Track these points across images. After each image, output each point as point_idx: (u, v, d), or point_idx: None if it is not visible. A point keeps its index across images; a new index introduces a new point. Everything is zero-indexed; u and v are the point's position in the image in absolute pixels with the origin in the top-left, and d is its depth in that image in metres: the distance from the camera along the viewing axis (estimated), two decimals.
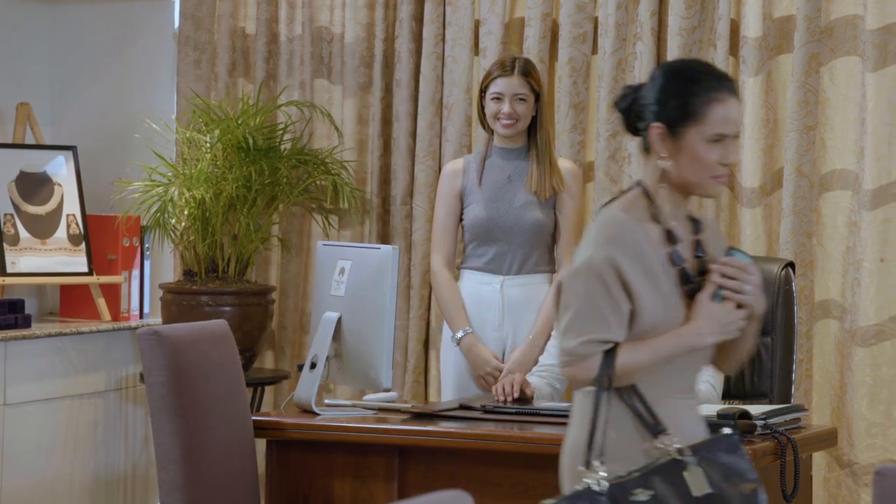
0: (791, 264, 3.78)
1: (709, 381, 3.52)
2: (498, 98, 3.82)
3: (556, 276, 3.90)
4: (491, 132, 3.91)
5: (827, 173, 4.16)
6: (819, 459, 4.08)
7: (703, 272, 2.64)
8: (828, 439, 3.56)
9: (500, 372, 3.79)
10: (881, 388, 4.06)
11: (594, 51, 4.42)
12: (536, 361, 3.82)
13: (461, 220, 3.94)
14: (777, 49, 4.22)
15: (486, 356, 3.81)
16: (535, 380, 3.71)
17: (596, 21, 4.41)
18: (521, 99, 3.82)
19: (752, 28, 4.20)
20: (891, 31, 4.05)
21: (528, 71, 3.84)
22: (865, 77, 4.07)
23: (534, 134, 3.88)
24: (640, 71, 4.30)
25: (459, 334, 3.84)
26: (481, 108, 3.88)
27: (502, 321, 3.85)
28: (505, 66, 3.84)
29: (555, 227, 3.90)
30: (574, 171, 3.94)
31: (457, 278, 3.95)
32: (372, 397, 3.64)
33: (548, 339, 3.82)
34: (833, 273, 4.15)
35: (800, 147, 4.15)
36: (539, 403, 3.59)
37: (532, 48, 4.43)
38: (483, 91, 3.87)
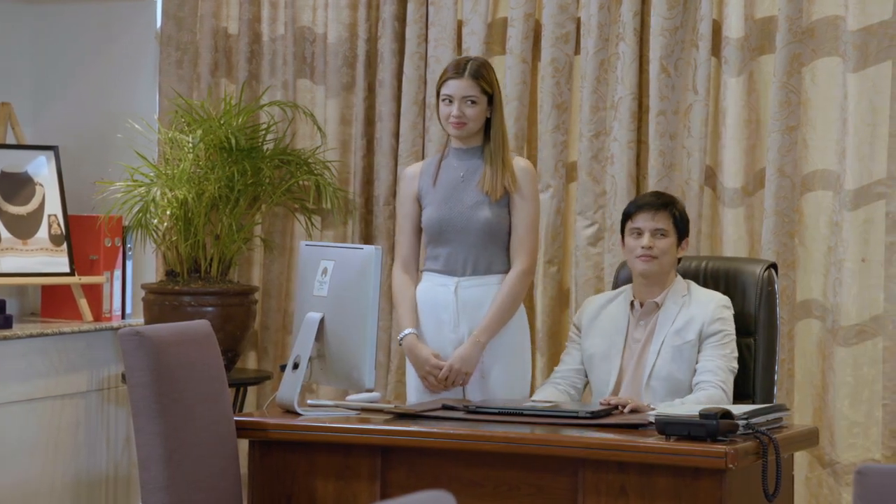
0: (774, 265, 3.80)
1: (721, 385, 3.56)
2: (448, 100, 3.82)
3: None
4: (448, 133, 3.90)
5: (809, 174, 4.18)
6: (801, 459, 4.10)
7: None
8: (809, 439, 3.58)
9: (440, 370, 3.79)
10: (863, 388, 4.07)
11: (577, 51, 4.42)
12: (479, 359, 3.81)
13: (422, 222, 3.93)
14: (759, 49, 4.23)
15: (425, 355, 3.79)
16: (551, 389, 3.75)
17: (578, 21, 4.42)
18: (471, 102, 3.81)
19: (734, 28, 4.21)
20: (871, 31, 4.07)
21: (479, 73, 3.82)
22: (847, 78, 4.09)
23: (491, 137, 3.87)
24: (623, 71, 4.31)
25: (403, 334, 3.83)
26: (438, 107, 3.88)
27: (458, 322, 3.83)
28: (457, 68, 3.83)
29: (509, 227, 3.88)
30: (527, 170, 3.89)
31: (420, 281, 3.96)
32: (355, 397, 3.64)
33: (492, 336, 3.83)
34: (815, 273, 4.17)
35: (782, 147, 4.16)
36: (522, 403, 3.60)
37: (515, 48, 4.43)
38: (438, 90, 3.86)
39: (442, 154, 3.91)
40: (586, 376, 3.76)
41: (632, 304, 3.71)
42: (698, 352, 3.62)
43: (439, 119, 3.88)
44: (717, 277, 3.78)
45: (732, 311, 3.66)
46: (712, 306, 3.63)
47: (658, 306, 3.67)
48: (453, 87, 3.80)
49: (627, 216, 3.71)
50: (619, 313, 3.72)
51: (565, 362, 3.79)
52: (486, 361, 3.84)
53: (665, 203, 3.69)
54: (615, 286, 3.90)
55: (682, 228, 3.70)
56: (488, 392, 3.82)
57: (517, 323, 3.88)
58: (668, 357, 3.61)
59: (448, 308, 3.84)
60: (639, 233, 3.66)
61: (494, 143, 3.84)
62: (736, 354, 3.63)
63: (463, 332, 3.83)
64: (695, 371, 3.61)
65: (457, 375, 3.78)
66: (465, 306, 3.83)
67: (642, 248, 3.64)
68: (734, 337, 3.64)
